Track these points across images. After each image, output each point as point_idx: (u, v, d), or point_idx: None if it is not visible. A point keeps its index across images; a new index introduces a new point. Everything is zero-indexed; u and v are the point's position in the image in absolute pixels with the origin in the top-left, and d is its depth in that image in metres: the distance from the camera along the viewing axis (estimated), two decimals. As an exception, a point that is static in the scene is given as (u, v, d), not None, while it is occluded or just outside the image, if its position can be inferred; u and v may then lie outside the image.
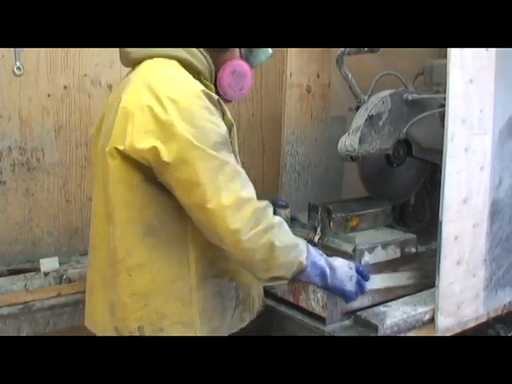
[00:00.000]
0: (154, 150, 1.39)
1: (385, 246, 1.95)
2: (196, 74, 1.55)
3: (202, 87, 1.49)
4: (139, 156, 1.42)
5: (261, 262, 1.47)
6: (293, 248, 1.52)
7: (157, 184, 1.47)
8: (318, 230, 1.97)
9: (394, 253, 1.97)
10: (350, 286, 1.65)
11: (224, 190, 1.40)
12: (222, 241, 1.44)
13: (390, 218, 2.16)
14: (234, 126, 1.57)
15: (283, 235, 1.49)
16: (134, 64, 1.60)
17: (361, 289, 1.68)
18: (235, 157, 1.52)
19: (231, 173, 1.43)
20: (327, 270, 1.58)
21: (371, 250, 1.91)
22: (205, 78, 1.58)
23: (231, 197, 1.40)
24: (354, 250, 1.87)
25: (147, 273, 1.50)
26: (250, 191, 1.46)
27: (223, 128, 1.47)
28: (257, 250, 1.44)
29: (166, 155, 1.39)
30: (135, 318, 1.52)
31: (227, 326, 1.62)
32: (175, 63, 1.54)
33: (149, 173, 1.45)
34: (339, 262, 1.64)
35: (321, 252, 1.62)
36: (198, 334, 1.55)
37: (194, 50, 1.55)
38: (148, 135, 1.41)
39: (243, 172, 1.48)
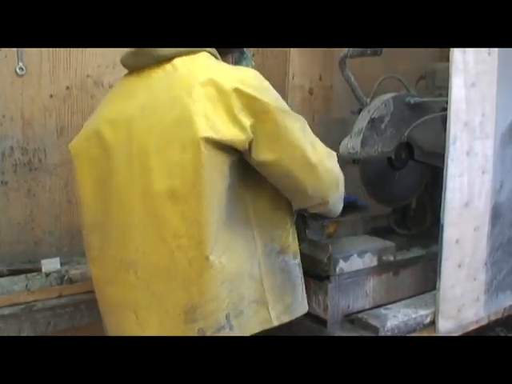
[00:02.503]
0: (254, 126, 1.46)
1: (361, 254, 1.90)
2: None
3: None
4: (245, 138, 1.46)
5: (341, 194, 1.70)
6: None
7: (237, 169, 1.52)
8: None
9: (370, 261, 1.91)
10: None
11: (316, 143, 1.58)
12: (328, 190, 1.62)
13: (370, 225, 2.13)
14: None
15: None
16: (156, 63, 1.56)
17: None
18: None
19: (309, 128, 1.59)
20: None
21: (346, 258, 1.86)
22: None
23: (322, 147, 1.60)
24: (328, 258, 1.83)
25: (232, 257, 1.52)
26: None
27: None
28: (342, 182, 1.68)
29: (266, 128, 1.48)
30: (223, 307, 1.51)
31: (299, 304, 1.67)
32: (210, 55, 1.59)
33: (232, 158, 1.49)
34: None
35: None
36: (271, 311, 1.60)
37: (214, 48, 1.60)
38: (242, 113, 1.46)
39: None
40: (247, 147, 1.48)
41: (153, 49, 1.55)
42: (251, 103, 1.46)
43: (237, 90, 1.45)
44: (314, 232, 1.94)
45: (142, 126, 1.51)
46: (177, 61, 1.54)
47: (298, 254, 1.68)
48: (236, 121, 1.45)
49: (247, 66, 1.77)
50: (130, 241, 1.55)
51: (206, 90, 1.46)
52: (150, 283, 1.54)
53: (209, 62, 1.56)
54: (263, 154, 1.49)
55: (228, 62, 1.68)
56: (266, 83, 1.54)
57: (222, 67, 1.55)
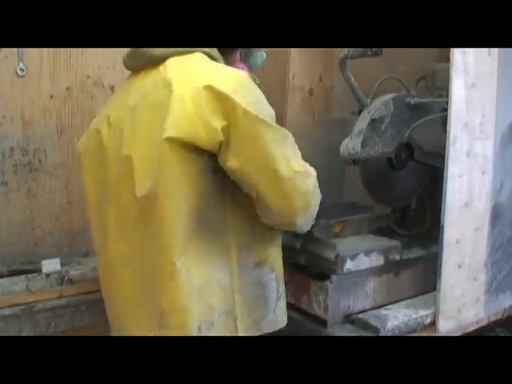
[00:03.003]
0: (226, 129, 1.41)
1: (367, 252, 1.91)
2: None
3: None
4: (213, 141, 1.41)
5: (315, 219, 1.63)
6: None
7: (210, 173, 1.47)
8: (301, 236, 1.92)
9: (377, 260, 1.92)
10: None
11: (293, 159, 1.48)
12: (293, 210, 1.51)
13: (375, 224, 2.13)
14: None
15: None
16: (153, 63, 1.56)
17: None
18: None
19: (292, 143, 1.51)
20: None
21: (353, 257, 1.87)
22: None
23: (300, 165, 1.49)
24: (336, 257, 1.84)
25: (201, 265, 1.49)
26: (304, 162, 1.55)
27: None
28: (315, 209, 1.59)
29: (237, 133, 1.42)
30: (194, 318, 1.49)
31: (269, 319, 1.62)
32: (205, 55, 1.55)
33: (204, 162, 1.46)
34: None
35: None
36: (240, 324, 1.55)
37: (214, 48, 1.57)
38: (214, 114, 1.41)
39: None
40: (217, 150, 1.43)
41: (146, 49, 1.55)
42: (224, 104, 1.40)
43: (208, 88, 1.41)
44: (320, 231, 1.94)
45: (131, 127, 1.52)
46: (170, 61, 1.53)
47: (277, 268, 1.64)
48: (205, 121, 1.40)
49: (258, 59, 1.76)
50: (124, 238, 1.56)
51: (183, 90, 1.44)
52: (142, 282, 1.55)
53: (200, 63, 1.52)
54: (229, 161, 1.43)
55: (235, 59, 1.67)
56: (251, 86, 1.48)
57: (210, 68, 1.51)
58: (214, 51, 1.59)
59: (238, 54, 1.69)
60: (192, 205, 1.46)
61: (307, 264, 1.94)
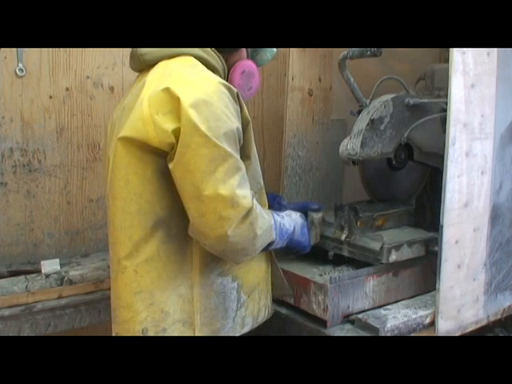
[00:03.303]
0: (178, 132, 1.40)
1: (410, 244, 1.97)
2: (212, 71, 1.56)
3: (223, 80, 1.50)
4: (163, 142, 1.41)
5: (241, 251, 1.51)
6: (269, 230, 1.57)
7: (167, 176, 1.46)
8: (346, 229, 2.01)
9: (418, 251, 1.99)
10: (308, 239, 1.77)
11: (221, 183, 1.40)
12: (206, 232, 1.44)
13: (413, 217, 2.20)
14: (250, 124, 1.57)
15: (262, 221, 1.53)
16: (148, 66, 1.59)
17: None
18: (249, 153, 1.55)
19: (232, 167, 1.43)
20: (291, 233, 1.68)
21: (398, 247, 1.94)
22: (220, 76, 1.59)
23: (228, 191, 1.40)
24: (381, 248, 1.90)
25: (154, 268, 1.49)
26: (246, 190, 1.46)
27: (235, 123, 1.46)
28: (240, 242, 1.47)
29: (180, 138, 1.39)
30: (139, 319, 1.50)
31: (228, 329, 1.61)
32: (193, 59, 1.54)
33: (161, 164, 1.45)
34: (295, 216, 1.75)
35: (282, 214, 1.70)
36: (198, 334, 1.54)
37: (208, 49, 1.56)
38: (166, 116, 1.41)
39: (244, 169, 1.47)
40: (170, 150, 1.43)
41: (140, 53, 1.57)
42: (177, 107, 1.40)
43: (166, 90, 1.41)
44: (364, 224, 2.03)
45: (118, 127, 1.55)
46: (158, 65, 1.55)
47: (240, 277, 1.63)
48: (156, 123, 1.41)
49: (267, 54, 1.75)
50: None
51: (146, 93, 1.46)
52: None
53: (180, 67, 1.52)
54: (170, 163, 1.43)
55: (239, 57, 1.66)
56: (217, 99, 1.43)
57: (184, 73, 1.49)
58: (209, 53, 1.57)
59: (242, 51, 1.68)
60: (144, 206, 1.47)
61: (351, 255, 2.01)
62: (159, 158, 1.45)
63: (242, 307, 1.64)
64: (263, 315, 1.74)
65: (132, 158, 1.45)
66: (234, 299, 1.62)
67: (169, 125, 1.40)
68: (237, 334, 1.63)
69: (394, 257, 1.93)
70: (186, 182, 1.42)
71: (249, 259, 1.60)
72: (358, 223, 2.00)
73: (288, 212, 1.75)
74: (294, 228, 1.71)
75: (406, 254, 1.96)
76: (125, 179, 1.47)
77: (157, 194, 1.47)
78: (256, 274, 1.67)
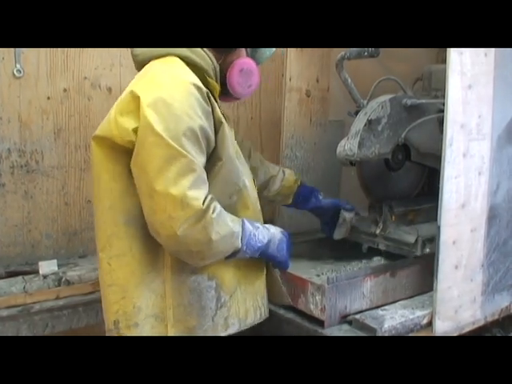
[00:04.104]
0: (137, 131, 1.45)
1: None
2: (199, 71, 1.57)
3: (195, 80, 1.51)
4: (124, 139, 1.46)
5: (196, 253, 1.50)
6: (229, 237, 1.54)
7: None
8: (380, 223, 2.12)
9: None
10: (285, 255, 1.71)
11: (173, 182, 1.41)
12: (157, 230, 1.46)
13: None
14: (224, 125, 1.56)
15: (221, 227, 1.50)
16: (142, 66, 1.62)
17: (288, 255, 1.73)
18: (221, 154, 1.54)
19: (185, 167, 1.43)
20: (264, 245, 1.64)
21: (431, 240, 1.98)
22: (209, 75, 1.60)
23: (178, 191, 1.41)
24: (416, 241, 1.98)
25: (127, 264, 1.53)
26: (199, 192, 1.45)
27: (198, 122, 1.46)
28: (192, 244, 1.47)
29: (138, 136, 1.45)
30: (112, 311, 1.55)
31: (206, 328, 1.60)
32: (177, 60, 1.56)
33: (129, 161, 1.49)
34: (275, 231, 1.70)
35: (257, 225, 1.65)
36: (171, 329, 1.55)
37: (197, 49, 1.57)
38: (128, 116, 1.46)
39: (200, 170, 1.47)
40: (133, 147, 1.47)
41: (134, 54, 1.63)
42: (137, 106, 1.45)
43: (131, 92, 1.48)
44: (398, 218, 2.13)
45: None
46: (147, 65, 1.60)
47: (218, 277, 1.61)
48: (119, 121, 1.47)
49: (266, 52, 1.76)
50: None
51: (127, 92, 1.51)
52: None
53: (156, 69, 1.56)
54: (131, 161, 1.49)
55: (237, 56, 1.67)
56: (181, 99, 1.45)
57: (156, 74, 1.53)
58: (197, 53, 1.58)
59: (241, 50, 1.68)
60: (115, 202, 1.52)
61: (386, 249, 2.09)
62: (128, 156, 1.48)
63: (224, 307, 1.63)
64: (252, 317, 1.71)
65: (103, 155, 1.52)
66: (213, 298, 1.61)
67: (129, 124, 1.45)
68: (220, 334, 1.62)
69: (427, 249, 1.99)
70: (140, 179, 1.46)
71: (211, 263, 1.57)
72: (393, 217, 2.10)
73: (268, 225, 1.72)
74: (270, 241, 1.66)
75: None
76: (97, 176, 1.54)
77: (127, 191, 1.51)
78: (234, 273, 1.65)
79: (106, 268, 1.55)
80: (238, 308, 1.67)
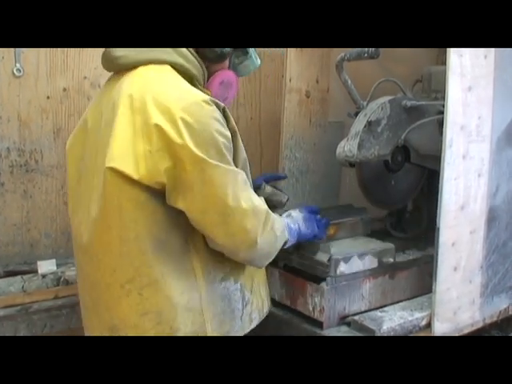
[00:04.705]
0: (169, 171, 1.39)
1: (361, 255, 1.90)
2: (189, 79, 1.54)
3: (206, 96, 1.47)
4: (152, 180, 1.40)
5: (267, 255, 1.62)
6: (283, 231, 1.66)
7: (162, 196, 1.45)
8: None
9: (370, 263, 1.92)
10: (315, 229, 1.80)
11: (241, 198, 1.47)
12: (238, 249, 1.53)
13: (369, 227, 2.13)
14: (238, 133, 1.56)
15: (278, 223, 1.62)
16: (123, 69, 1.55)
17: (322, 225, 1.83)
18: (237, 163, 1.53)
19: (242, 182, 1.50)
20: (298, 229, 1.74)
21: (347, 259, 1.87)
22: (199, 83, 1.58)
23: (247, 203, 1.48)
24: (329, 260, 1.84)
25: (160, 290, 1.48)
26: (255, 195, 1.55)
27: (228, 136, 1.48)
28: (266, 247, 1.57)
29: (183, 176, 1.40)
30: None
31: (237, 329, 1.62)
32: (169, 69, 1.52)
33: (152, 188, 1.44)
34: (295, 214, 1.79)
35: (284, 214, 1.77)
36: None
37: (189, 55, 1.54)
38: (159, 154, 1.39)
39: (243, 175, 1.52)
40: (159, 188, 1.42)
41: (115, 56, 1.54)
42: (170, 145, 1.38)
43: (157, 127, 1.39)
44: None
45: (102, 147, 1.50)
46: (138, 73, 1.51)
47: (240, 278, 1.63)
48: (149, 160, 1.39)
49: (250, 66, 1.74)
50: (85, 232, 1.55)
51: (135, 117, 1.42)
52: (92, 292, 1.58)
53: (164, 84, 1.48)
54: (175, 202, 1.44)
55: (225, 67, 1.65)
56: (204, 121, 1.42)
57: (167, 90, 1.46)
58: (190, 60, 1.55)
59: (225, 62, 1.66)
60: (141, 232, 1.45)
61: (300, 267, 1.93)
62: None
63: (248, 304, 1.65)
64: (267, 305, 1.76)
65: (124, 185, 1.42)
66: (239, 299, 1.62)
67: (161, 164, 1.39)
68: (246, 331, 1.65)
69: (342, 269, 1.86)
70: (207, 214, 1.45)
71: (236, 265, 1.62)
72: None
73: (287, 213, 1.79)
74: (299, 226, 1.75)
75: (357, 266, 1.89)
76: (118, 207, 1.44)
77: (152, 216, 1.46)
78: (247, 269, 1.67)
79: (136, 299, 1.48)
80: (257, 301, 1.70)
